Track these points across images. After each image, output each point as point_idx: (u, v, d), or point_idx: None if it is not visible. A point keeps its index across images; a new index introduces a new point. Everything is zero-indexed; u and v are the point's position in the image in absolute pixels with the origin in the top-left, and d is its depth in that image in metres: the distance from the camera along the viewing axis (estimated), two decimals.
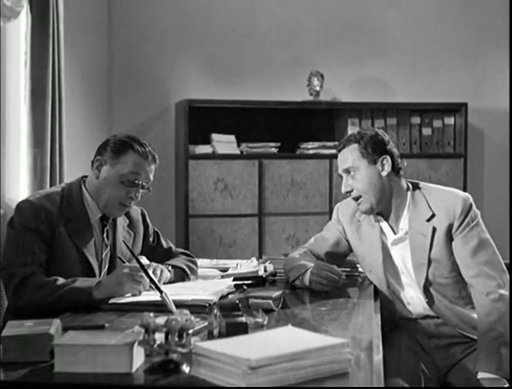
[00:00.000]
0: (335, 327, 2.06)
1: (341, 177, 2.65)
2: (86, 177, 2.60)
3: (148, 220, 2.81)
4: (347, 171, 2.60)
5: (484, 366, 2.41)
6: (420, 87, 5.35)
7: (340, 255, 2.83)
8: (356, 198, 2.59)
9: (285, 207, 4.89)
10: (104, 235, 2.58)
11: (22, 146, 3.51)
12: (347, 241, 2.78)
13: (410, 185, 2.64)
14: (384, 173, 2.57)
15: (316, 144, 4.98)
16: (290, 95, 5.03)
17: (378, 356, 1.75)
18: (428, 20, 5.39)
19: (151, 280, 2.27)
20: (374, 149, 2.58)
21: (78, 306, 2.24)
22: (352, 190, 2.59)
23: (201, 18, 5.16)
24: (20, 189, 3.48)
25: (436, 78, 5.40)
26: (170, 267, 2.63)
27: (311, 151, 4.97)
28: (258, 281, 2.68)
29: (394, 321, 2.70)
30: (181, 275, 2.68)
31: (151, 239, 2.80)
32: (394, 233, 2.63)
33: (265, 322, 2.00)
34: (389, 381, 2.39)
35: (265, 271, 2.79)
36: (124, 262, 2.51)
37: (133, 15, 5.09)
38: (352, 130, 5.03)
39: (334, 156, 4.89)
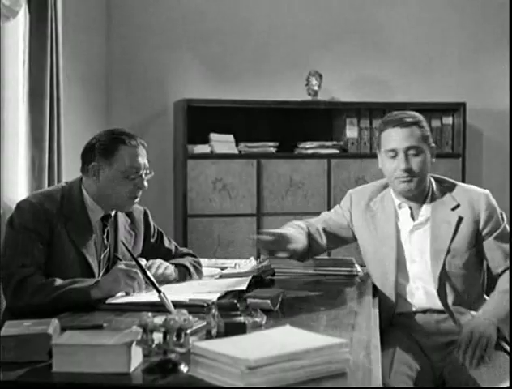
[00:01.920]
0: (334, 327, 2.06)
1: (395, 155, 2.62)
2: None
3: (151, 220, 2.80)
4: (410, 149, 2.61)
5: (486, 311, 2.52)
6: (418, 87, 5.35)
7: (338, 239, 2.85)
8: (407, 177, 2.60)
9: (284, 206, 4.89)
10: (105, 236, 2.57)
11: (20, 146, 3.51)
12: (352, 230, 2.80)
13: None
14: (433, 160, 2.69)
15: (314, 144, 4.98)
16: (288, 94, 5.02)
17: (376, 356, 1.75)
18: (427, 20, 5.39)
19: (150, 280, 2.27)
20: (429, 135, 2.68)
21: (77, 306, 2.25)
22: (410, 169, 2.61)
23: (199, 17, 5.16)
24: (19, 189, 3.48)
25: (434, 77, 5.40)
26: (174, 267, 2.63)
27: (309, 151, 4.97)
28: (256, 281, 2.68)
29: (389, 318, 2.68)
30: (183, 273, 2.67)
31: (153, 239, 2.79)
32: (413, 220, 2.67)
33: (263, 322, 2.00)
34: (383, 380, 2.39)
35: (263, 270, 2.79)
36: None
37: (131, 15, 5.08)
38: (350, 129, 5.05)
39: (333, 156, 4.96)
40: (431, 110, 5.14)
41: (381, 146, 2.71)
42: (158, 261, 2.56)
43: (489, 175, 5.44)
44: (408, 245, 2.67)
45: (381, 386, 1.58)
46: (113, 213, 2.61)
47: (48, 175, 3.51)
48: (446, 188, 2.72)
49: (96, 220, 2.55)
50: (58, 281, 2.32)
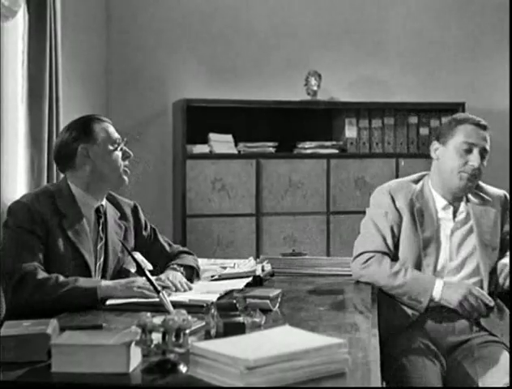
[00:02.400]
0: (333, 327, 2.05)
1: (469, 150, 2.71)
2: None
3: (142, 214, 2.79)
4: (484, 150, 2.73)
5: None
6: (417, 87, 5.35)
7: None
8: (474, 177, 2.71)
9: (283, 206, 4.89)
10: (100, 228, 2.58)
11: (19, 145, 3.50)
12: (399, 229, 2.74)
13: None
14: None
15: (313, 144, 4.98)
16: (288, 94, 5.02)
17: (375, 356, 1.75)
18: (426, 20, 5.39)
19: (149, 281, 2.26)
20: None
21: (79, 307, 2.24)
22: (479, 169, 2.71)
23: (199, 17, 5.16)
24: (18, 189, 3.48)
25: (433, 77, 5.40)
26: (182, 269, 2.62)
27: (309, 151, 4.97)
28: (255, 281, 2.67)
29: (408, 317, 2.66)
30: (190, 274, 2.66)
31: (145, 233, 2.78)
32: (454, 218, 2.74)
33: (262, 322, 2.00)
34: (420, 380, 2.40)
35: (262, 270, 2.79)
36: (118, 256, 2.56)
37: (131, 15, 5.08)
38: (349, 129, 5.05)
39: (332, 156, 4.97)
40: (430, 110, 5.15)
41: (453, 137, 2.73)
42: (174, 280, 2.52)
43: (487, 175, 5.42)
44: (449, 243, 2.71)
45: (380, 386, 1.58)
46: (103, 203, 2.62)
47: (47, 175, 3.51)
48: (476, 188, 2.82)
49: (90, 213, 2.56)
50: (61, 278, 2.32)
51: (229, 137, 4.89)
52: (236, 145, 4.89)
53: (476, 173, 2.70)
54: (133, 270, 2.62)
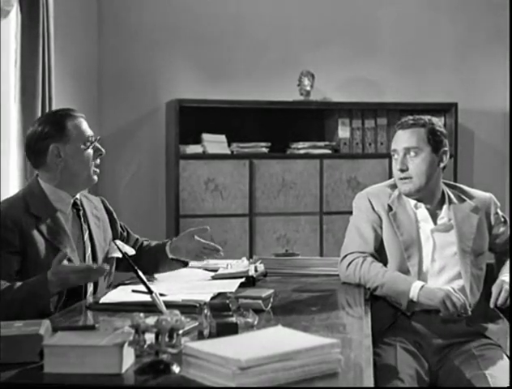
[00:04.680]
0: (325, 327, 2.06)
1: (392, 155, 2.76)
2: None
3: (110, 207, 2.82)
4: (408, 150, 2.70)
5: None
6: (410, 87, 5.36)
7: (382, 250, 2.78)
8: (405, 178, 2.70)
9: (276, 207, 4.89)
10: (82, 220, 2.57)
11: (12, 146, 3.50)
12: (382, 231, 2.77)
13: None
14: (441, 165, 2.75)
15: (306, 144, 4.98)
16: (280, 95, 5.02)
17: (368, 357, 1.75)
18: (419, 20, 5.40)
19: (142, 281, 2.25)
20: (440, 140, 2.73)
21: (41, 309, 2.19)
22: (407, 169, 2.70)
23: (192, 17, 5.15)
24: (10, 189, 3.47)
25: (426, 78, 5.41)
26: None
27: (301, 151, 4.97)
28: (248, 281, 2.67)
29: (392, 318, 2.67)
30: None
31: (118, 227, 2.81)
32: (434, 222, 2.73)
33: (255, 323, 2.00)
34: (384, 380, 2.38)
35: (255, 270, 2.79)
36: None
37: (123, 14, 5.08)
38: (342, 129, 5.06)
39: (325, 156, 4.97)
40: (423, 111, 5.11)
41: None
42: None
43: (480, 175, 5.45)
44: (430, 245, 2.71)
45: (372, 386, 1.58)
46: (78, 196, 2.61)
47: None
48: (459, 192, 2.82)
49: (67, 208, 2.53)
50: (17, 285, 2.24)
51: (222, 137, 4.89)
52: (229, 145, 4.89)
53: (404, 175, 2.70)
54: (117, 255, 2.61)
